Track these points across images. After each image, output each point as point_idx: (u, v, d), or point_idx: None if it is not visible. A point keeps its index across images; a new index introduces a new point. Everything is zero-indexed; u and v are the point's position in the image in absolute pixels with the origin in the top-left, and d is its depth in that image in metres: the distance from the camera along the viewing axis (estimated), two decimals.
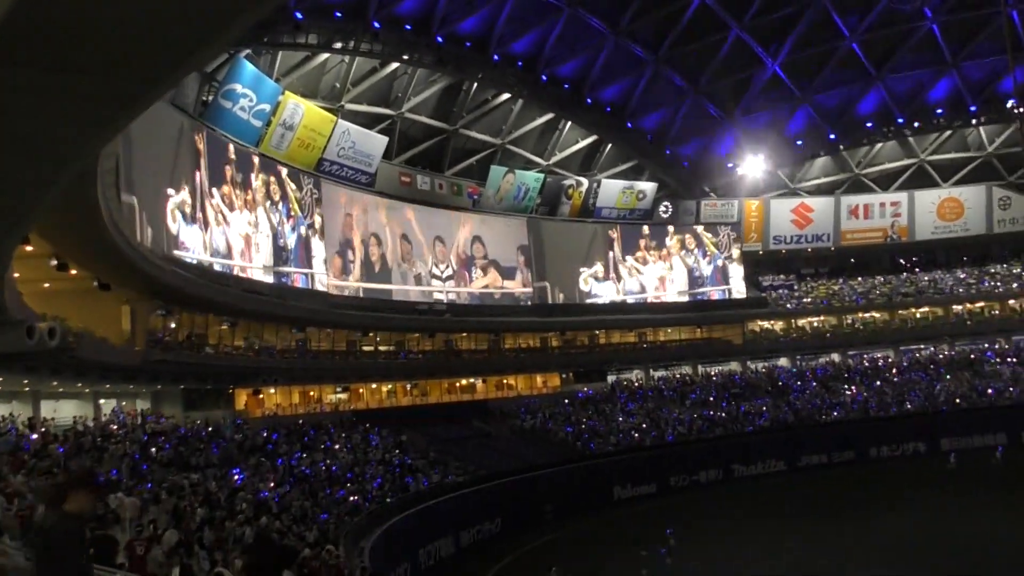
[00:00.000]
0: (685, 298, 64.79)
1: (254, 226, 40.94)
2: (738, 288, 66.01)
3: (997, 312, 67.12)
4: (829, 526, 35.59)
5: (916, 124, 66.49)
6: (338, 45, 46.51)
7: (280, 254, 42.79)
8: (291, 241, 43.86)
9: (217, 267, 37.91)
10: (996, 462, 47.69)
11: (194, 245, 36.00)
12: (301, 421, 40.26)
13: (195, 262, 35.70)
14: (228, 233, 39.02)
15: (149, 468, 25.58)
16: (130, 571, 12.89)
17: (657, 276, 64.12)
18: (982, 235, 70.92)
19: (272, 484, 29.43)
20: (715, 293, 65.54)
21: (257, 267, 41.16)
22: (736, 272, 66.04)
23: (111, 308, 31.19)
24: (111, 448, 25.77)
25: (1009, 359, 62.30)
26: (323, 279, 45.73)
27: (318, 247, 45.71)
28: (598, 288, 61.62)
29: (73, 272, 26.35)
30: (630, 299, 62.93)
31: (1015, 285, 67.18)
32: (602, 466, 47.08)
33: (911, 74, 63.87)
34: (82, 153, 12.11)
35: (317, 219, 45.82)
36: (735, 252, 66.18)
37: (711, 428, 53.86)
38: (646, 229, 64.23)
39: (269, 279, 41.82)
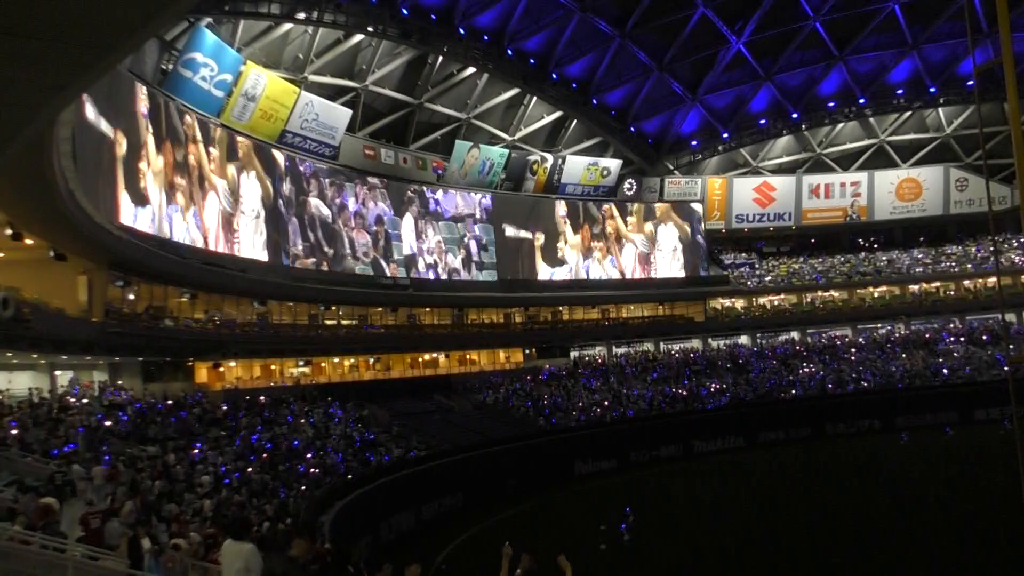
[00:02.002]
0: (646, 275, 65.24)
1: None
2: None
3: (952, 292, 68.33)
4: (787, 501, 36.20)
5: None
6: (301, 15, 45.86)
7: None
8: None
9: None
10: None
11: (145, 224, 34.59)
12: (262, 397, 39.84)
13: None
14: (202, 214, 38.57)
15: (108, 441, 25.33)
16: (86, 544, 12.82)
17: (618, 255, 64.53)
18: (939, 216, 72.14)
19: (232, 458, 29.29)
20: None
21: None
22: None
23: (67, 279, 30.80)
24: (67, 420, 25.47)
25: (962, 339, 63.54)
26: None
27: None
28: (551, 269, 61.80)
29: (28, 242, 25.97)
30: (584, 276, 63.26)
31: (970, 266, 68.41)
32: (563, 441, 47.35)
33: (873, 55, 64.53)
34: (34, 119, 11.90)
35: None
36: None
37: (672, 404, 54.40)
38: (607, 206, 64.57)
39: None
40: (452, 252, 56.94)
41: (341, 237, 49.88)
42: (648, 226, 65.55)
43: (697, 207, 67.35)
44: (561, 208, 62.52)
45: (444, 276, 56.23)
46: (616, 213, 64.78)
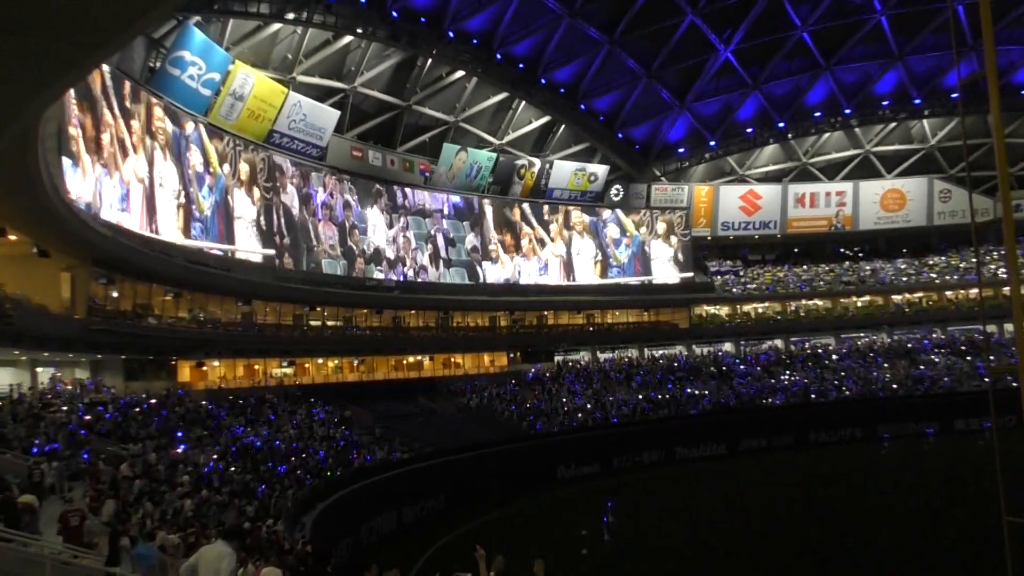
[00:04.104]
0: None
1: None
2: (662, 274, 66.44)
3: (934, 303, 68.79)
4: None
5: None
6: (291, 16, 45.78)
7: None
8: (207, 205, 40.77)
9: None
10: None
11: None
12: (241, 399, 39.69)
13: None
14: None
15: (88, 438, 25.18)
16: (65, 542, 12.75)
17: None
18: (922, 227, 72.57)
19: (214, 457, 29.18)
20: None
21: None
22: (662, 252, 66.32)
23: (50, 275, 30.56)
24: (48, 417, 25.32)
25: (944, 349, 63.98)
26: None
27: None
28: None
29: (11, 237, 25.81)
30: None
31: (952, 277, 68.90)
32: (546, 446, 47.39)
33: (859, 66, 64.99)
34: (23, 114, 11.86)
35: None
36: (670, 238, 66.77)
37: (655, 410, 54.48)
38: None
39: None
40: (420, 249, 56.36)
41: (307, 228, 48.44)
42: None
43: (681, 214, 67.17)
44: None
45: (411, 273, 55.53)
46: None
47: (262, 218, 45.10)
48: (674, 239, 66.47)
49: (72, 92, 29.71)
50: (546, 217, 63.26)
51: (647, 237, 65.96)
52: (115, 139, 33.68)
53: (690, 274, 66.75)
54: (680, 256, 66.56)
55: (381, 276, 53.11)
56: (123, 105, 34.45)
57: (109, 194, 32.83)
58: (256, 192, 44.64)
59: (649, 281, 65.83)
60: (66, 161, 27.95)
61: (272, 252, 45.53)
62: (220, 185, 41.67)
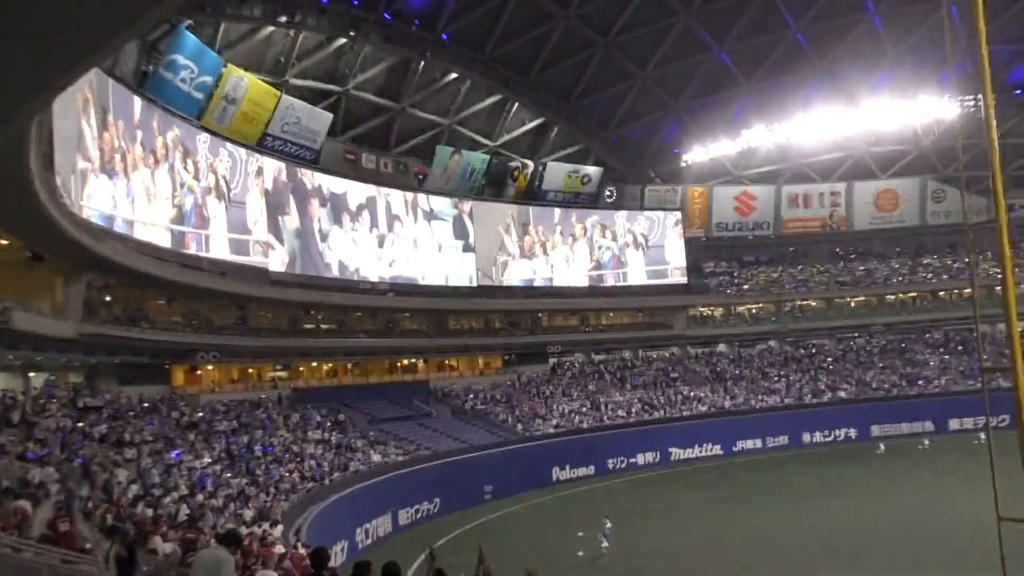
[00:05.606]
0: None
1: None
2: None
3: (929, 302, 68.92)
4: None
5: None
6: (283, 19, 45.74)
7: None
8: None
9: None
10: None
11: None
12: (236, 403, 39.60)
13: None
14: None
15: (82, 443, 25.10)
16: (57, 547, 12.69)
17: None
18: (917, 226, 72.71)
19: (208, 461, 29.13)
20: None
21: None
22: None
23: (45, 280, 30.45)
24: (42, 422, 25.22)
25: (938, 349, 64.10)
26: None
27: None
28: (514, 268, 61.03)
29: (5, 242, 25.73)
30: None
31: (946, 276, 69.05)
32: (541, 448, 47.43)
33: (853, 65, 64.94)
34: (16, 118, 11.82)
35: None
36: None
37: (650, 411, 54.52)
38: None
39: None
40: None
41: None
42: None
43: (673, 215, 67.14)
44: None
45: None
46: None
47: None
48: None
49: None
50: (555, 223, 63.35)
51: (621, 245, 65.99)
52: (126, 157, 34.74)
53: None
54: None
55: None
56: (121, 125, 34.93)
57: (123, 203, 33.92)
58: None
59: (623, 274, 65.63)
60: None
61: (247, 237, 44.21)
62: (197, 194, 41.25)
